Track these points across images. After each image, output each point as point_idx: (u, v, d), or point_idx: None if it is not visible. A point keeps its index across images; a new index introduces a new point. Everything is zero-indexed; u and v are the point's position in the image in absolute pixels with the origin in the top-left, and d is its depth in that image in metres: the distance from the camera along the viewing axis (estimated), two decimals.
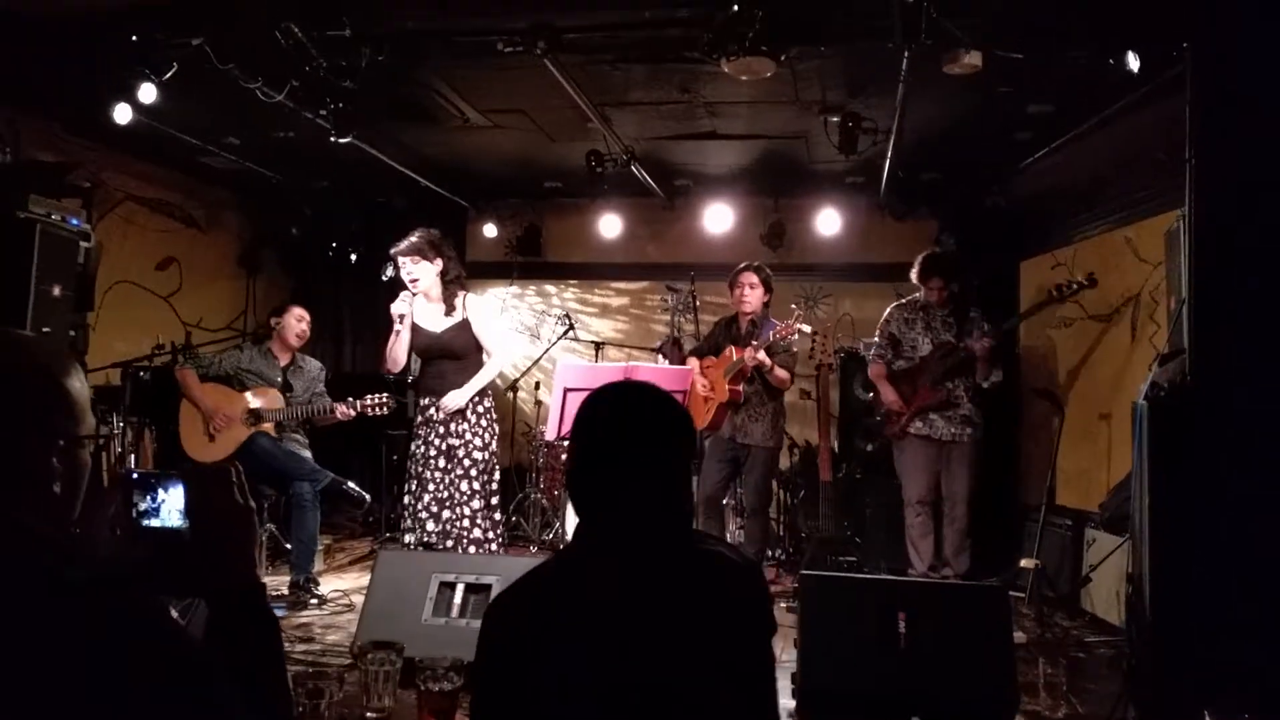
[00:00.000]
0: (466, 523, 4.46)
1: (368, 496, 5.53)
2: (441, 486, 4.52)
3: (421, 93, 5.29)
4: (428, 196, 7.45)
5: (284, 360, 5.37)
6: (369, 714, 2.07)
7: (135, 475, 1.46)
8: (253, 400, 5.18)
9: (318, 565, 5.48)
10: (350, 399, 5.17)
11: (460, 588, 3.58)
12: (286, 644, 4.13)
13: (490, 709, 1.53)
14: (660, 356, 6.84)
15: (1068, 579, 5.37)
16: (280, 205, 7.54)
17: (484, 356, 4.70)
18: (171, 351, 5.78)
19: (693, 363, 5.61)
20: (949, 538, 5.35)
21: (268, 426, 5.16)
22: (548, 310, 8.08)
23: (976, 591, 3.94)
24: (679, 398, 4.33)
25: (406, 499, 4.66)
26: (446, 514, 4.47)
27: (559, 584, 1.57)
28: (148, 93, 4.59)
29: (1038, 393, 6.09)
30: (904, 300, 5.63)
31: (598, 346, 7.34)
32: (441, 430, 4.57)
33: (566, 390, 4.02)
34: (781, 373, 5.26)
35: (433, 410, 4.62)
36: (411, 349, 4.66)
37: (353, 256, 7.71)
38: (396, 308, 4.59)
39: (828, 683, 3.39)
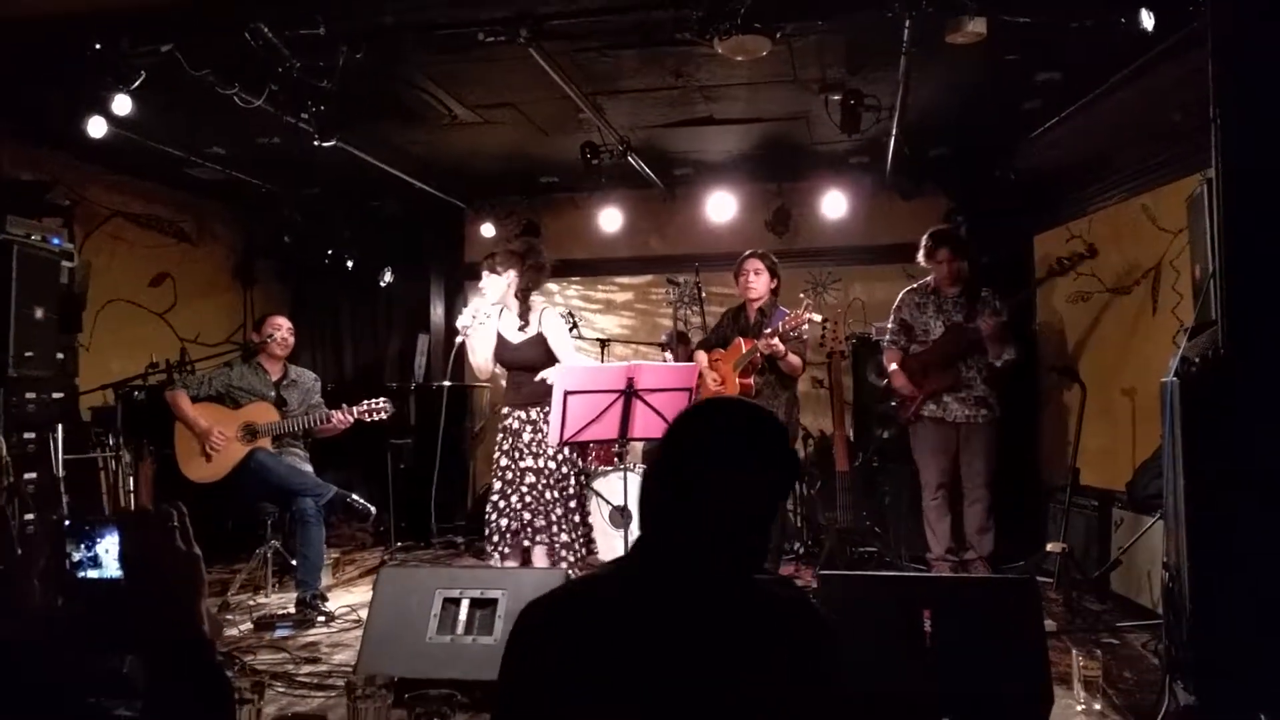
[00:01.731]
0: (555, 529, 4.44)
1: (373, 509, 5.40)
2: (519, 495, 4.51)
3: (406, 91, 5.14)
4: (422, 198, 7.31)
5: (276, 374, 5.23)
6: None
7: (69, 523, 1.31)
8: (248, 416, 5.05)
9: (326, 580, 5.37)
10: (345, 405, 5.06)
11: (465, 604, 3.44)
12: (292, 665, 4.05)
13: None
14: (666, 352, 6.68)
15: (1096, 562, 5.19)
16: (272, 214, 7.39)
17: None
18: (166, 369, 5.65)
19: (700, 356, 5.46)
20: (970, 519, 5.23)
21: (265, 441, 5.04)
22: (549, 307, 7.92)
23: (1004, 584, 3.78)
24: (685, 395, 4.20)
25: (489, 510, 4.58)
26: (528, 517, 4.47)
27: (602, 600, 1.43)
28: (121, 104, 4.46)
29: (1056, 370, 5.91)
30: (914, 285, 5.50)
31: (603, 344, 7.18)
32: (514, 440, 4.59)
33: (567, 394, 3.87)
34: (795, 359, 5.11)
35: (511, 420, 4.64)
36: (496, 359, 4.74)
37: (349, 263, 7.56)
38: (460, 320, 4.71)
39: (854, 683, 3.24)
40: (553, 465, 4.51)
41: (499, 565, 4.37)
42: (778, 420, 1.53)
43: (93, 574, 1.29)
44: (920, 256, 5.38)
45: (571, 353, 4.66)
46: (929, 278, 5.42)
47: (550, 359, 4.60)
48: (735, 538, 1.42)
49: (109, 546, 1.29)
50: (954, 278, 5.30)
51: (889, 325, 5.56)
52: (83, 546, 1.29)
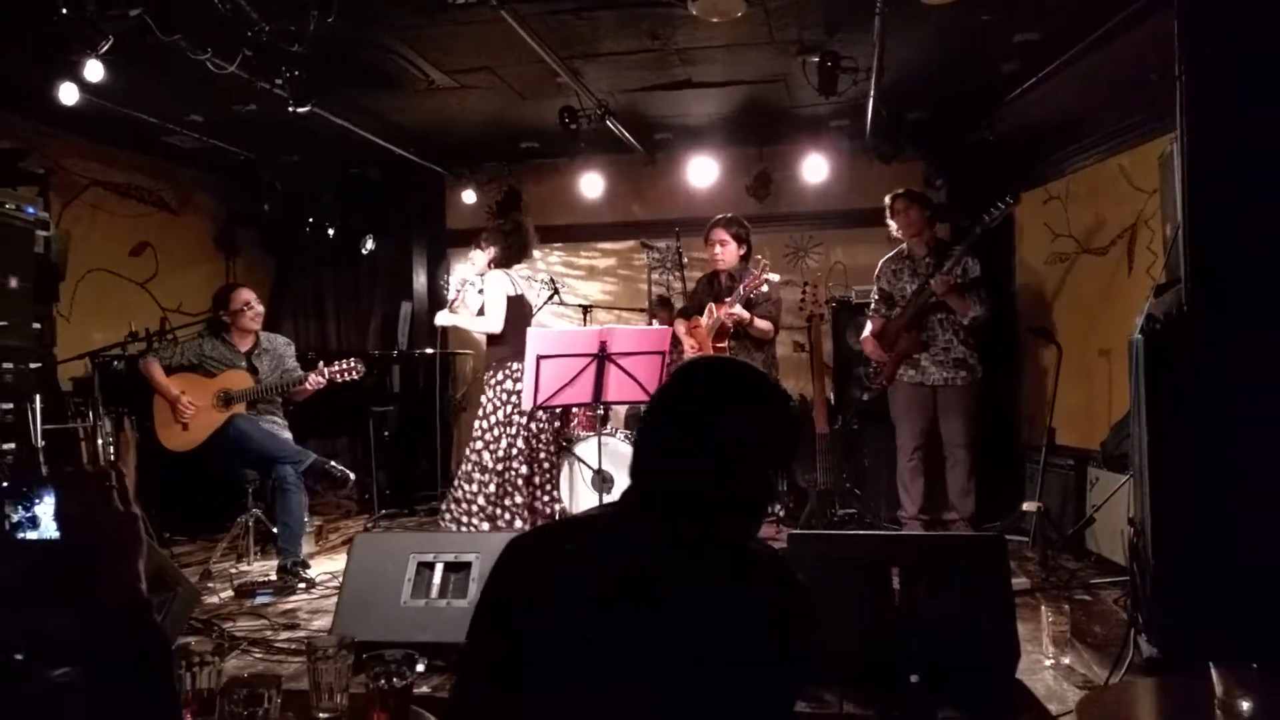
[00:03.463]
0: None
1: (351, 475, 5.41)
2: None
3: (381, 56, 5.09)
4: (403, 165, 7.26)
5: (246, 345, 5.21)
6: (320, 715, 1.94)
7: (6, 484, 1.32)
8: (223, 383, 5.05)
9: (308, 548, 5.40)
10: (321, 365, 5.06)
11: (439, 567, 3.47)
12: (270, 631, 4.08)
13: (476, 643, 1.40)
14: (651, 319, 6.68)
15: (1071, 520, 5.25)
16: (253, 182, 7.35)
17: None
18: (146, 338, 5.65)
19: (680, 324, 5.48)
20: (952, 481, 5.27)
21: (240, 407, 5.04)
22: (533, 275, 7.90)
23: (971, 542, 3.83)
24: (658, 359, 4.22)
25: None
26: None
27: (581, 537, 1.44)
28: (93, 70, 4.43)
29: (1033, 331, 5.94)
30: (890, 253, 5.49)
31: (585, 310, 7.18)
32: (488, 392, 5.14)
33: (540, 358, 3.88)
34: (763, 324, 5.13)
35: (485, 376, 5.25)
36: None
37: (330, 231, 7.52)
38: (444, 312, 5.41)
39: (822, 643, 3.28)
40: (485, 425, 5.03)
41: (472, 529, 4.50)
42: (782, 389, 1.52)
43: (31, 535, 1.30)
44: (889, 218, 5.40)
45: (496, 311, 5.07)
46: (902, 245, 5.43)
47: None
48: (729, 494, 1.42)
49: (47, 507, 1.30)
50: (917, 228, 5.29)
51: (872, 294, 5.56)
52: (20, 508, 1.30)
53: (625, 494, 1.48)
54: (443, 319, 5.41)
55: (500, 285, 5.11)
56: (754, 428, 1.44)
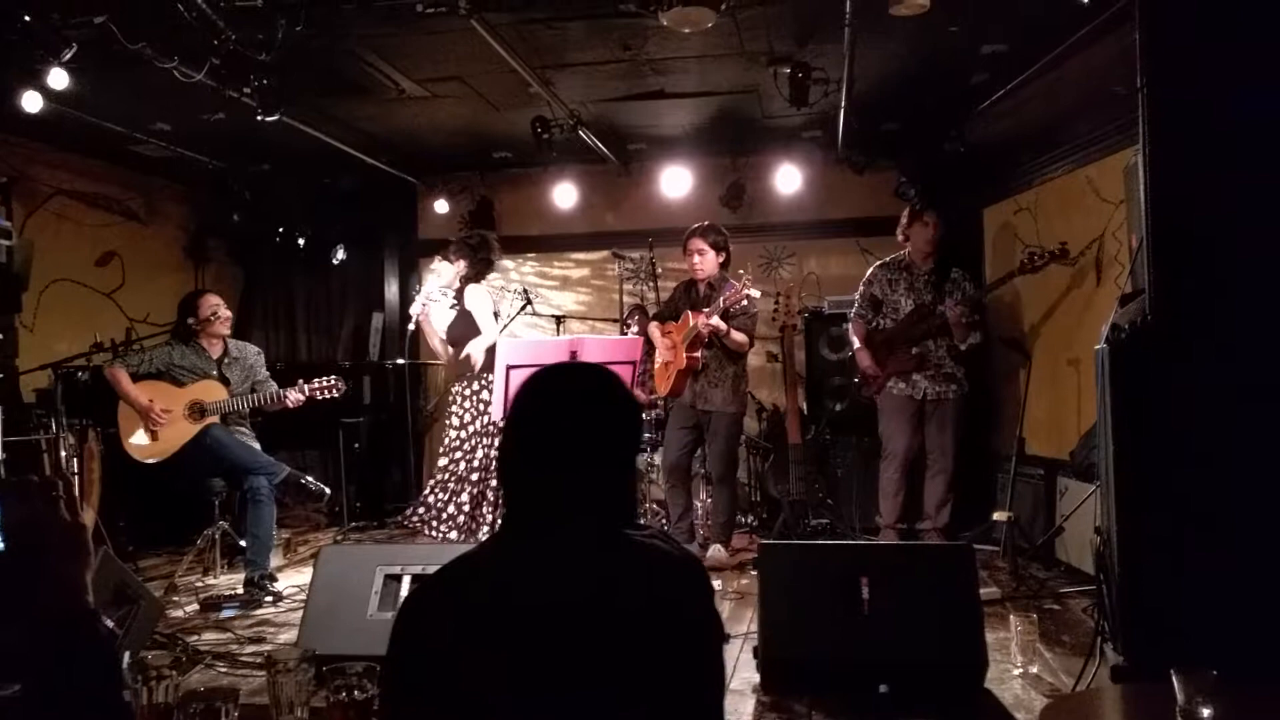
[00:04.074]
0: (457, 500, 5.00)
1: (327, 490, 5.38)
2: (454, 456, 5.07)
3: (350, 64, 5.06)
4: (374, 175, 7.21)
5: (216, 352, 5.15)
6: None
7: None
8: (196, 394, 4.98)
9: (277, 560, 5.34)
10: (300, 382, 5.02)
11: (406, 580, 3.44)
12: (236, 645, 4.02)
13: (399, 711, 1.39)
14: (626, 328, 6.66)
15: (1041, 529, 5.28)
16: (222, 192, 7.28)
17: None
18: (111, 349, 5.56)
19: (654, 328, 5.48)
20: (931, 492, 5.30)
21: (213, 419, 4.97)
22: (506, 286, 7.87)
23: (939, 551, 3.84)
24: (629, 369, 4.21)
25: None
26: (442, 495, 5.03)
27: (481, 580, 1.43)
28: (57, 78, 4.36)
29: (1004, 342, 5.97)
30: (887, 260, 5.52)
31: (559, 320, 7.15)
32: (453, 408, 5.16)
33: (509, 367, 3.87)
34: (739, 336, 5.13)
35: (452, 394, 5.20)
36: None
37: (301, 241, 7.47)
38: (412, 308, 5.29)
39: (791, 653, 3.28)
40: (463, 435, 5.01)
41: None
42: (607, 371, 1.55)
43: None
44: (901, 224, 5.43)
45: (491, 324, 4.99)
46: (902, 252, 5.46)
47: (474, 333, 5.01)
48: (603, 494, 1.45)
49: None
50: (935, 244, 5.34)
51: (856, 298, 5.58)
52: None
53: (505, 524, 1.50)
54: (476, 348, 5.04)
55: (485, 299, 5.16)
56: (603, 419, 1.48)
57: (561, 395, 1.50)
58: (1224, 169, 2.86)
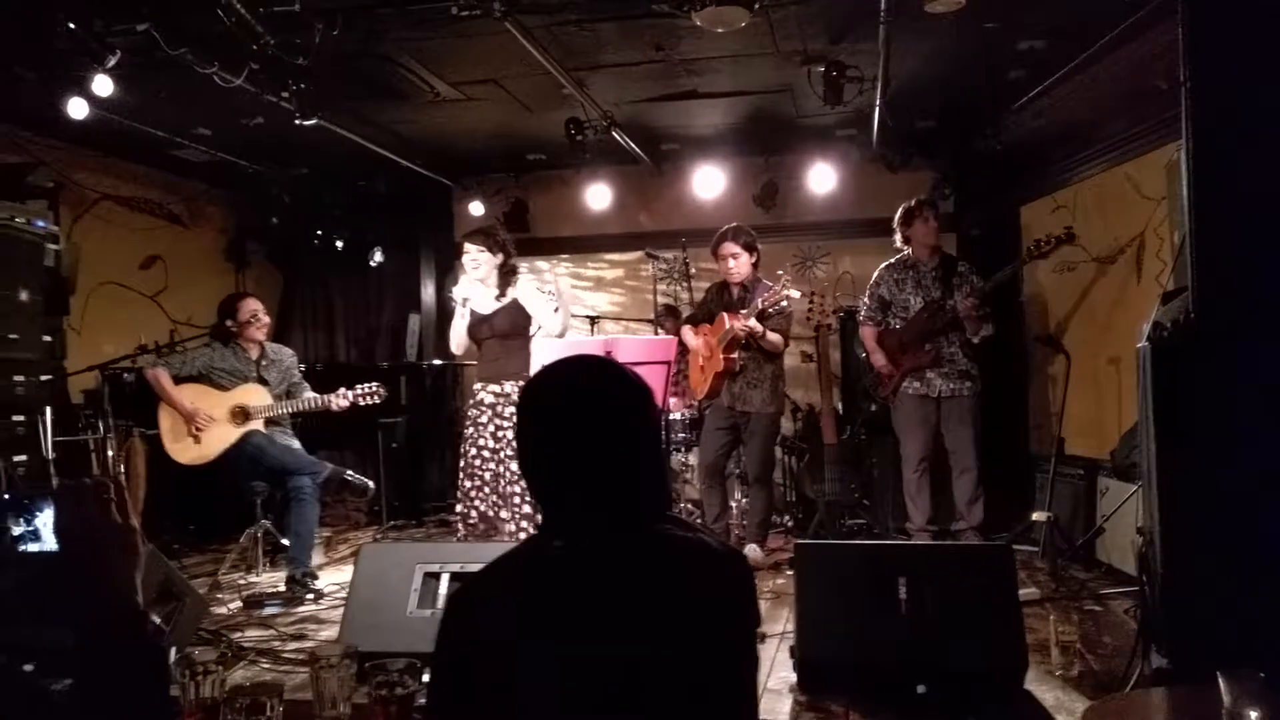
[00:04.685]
0: (517, 500, 4.47)
1: (371, 485, 5.42)
2: (489, 467, 4.57)
3: (386, 68, 5.11)
4: (410, 177, 7.29)
5: (254, 354, 5.21)
6: None
7: (8, 496, 1.33)
8: (239, 398, 5.04)
9: (317, 559, 5.40)
10: (343, 390, 5.08)
11: (445, 577, 3.46)
12: (279, 641, 4.08)
13: (447, 710, 1.41)
14: (658, 328, 6.67)
15: (1081, 530, 5.22)
16: (261, 195, 7.39)
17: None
18: (155, 350, 5.67)
19: (687, 330, 5.48)
20: (960, 490, 5.25)
21: (257, 423, 5.04)
22: (540, 287, 7.90)
23: (978, 551, 3.80)
24: (664, 368, 4.22)
25: (462, 481, 4.67)
26: (495, 496, 4.53)
27: (523, 579, 1.44)
28: (102, 85, 4.46)
29: (1041, 340, 5.92)
30: (892, 261, 5.48)
31: (593, 321, 7.18)
32: (489, 414, 4.62)
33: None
34: (775, 337, 5.11)
35: (484, 394, 4.66)
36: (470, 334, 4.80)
37: (339, 243, 7.56)
38: (457, 290, 4.78)
39: (828, 654, 3.27)
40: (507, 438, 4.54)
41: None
42: (615, 365, 1.54)
43: (33, 547, 1.31)
44: (898, 224, 5.41)
45: (549, 314, 4.66)
46: (906, 252, 5.43)
47: (522, 326, 4.70)
48: (631, 486, 1.44)
49: (47, 520, 1.30)
50: (936, 238, 5.33)
51: (865, 301, 5.56)
52: (22, 520, 1.30)
53: (544, 523, 1.49)
54: (541, 340, 4.72)
55: (536, 290, 4.84)
56: (622, 405, 1.47)
57: (569, 390, 1.50)
58: (1268, 165, 2.82)
